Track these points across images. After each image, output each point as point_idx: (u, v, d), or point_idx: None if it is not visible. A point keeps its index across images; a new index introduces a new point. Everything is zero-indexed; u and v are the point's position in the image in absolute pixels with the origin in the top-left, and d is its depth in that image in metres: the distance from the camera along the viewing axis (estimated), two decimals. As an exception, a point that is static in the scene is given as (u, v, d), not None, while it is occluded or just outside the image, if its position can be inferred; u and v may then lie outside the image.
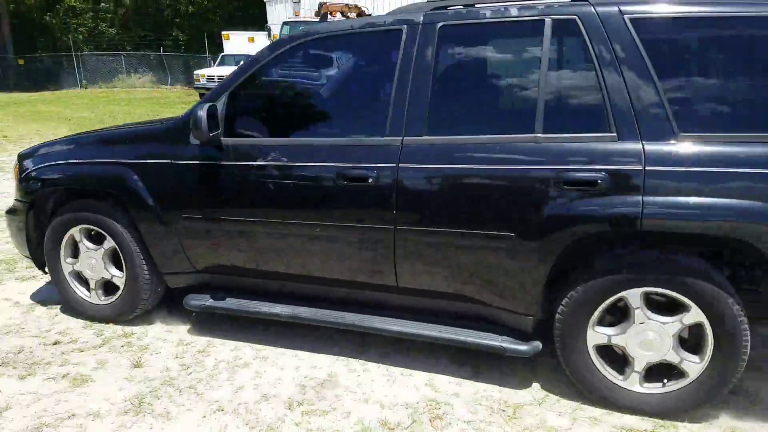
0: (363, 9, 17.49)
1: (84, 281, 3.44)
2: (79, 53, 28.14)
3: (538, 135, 2.45)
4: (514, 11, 2.56)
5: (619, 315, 2.50)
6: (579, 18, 2.45)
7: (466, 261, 2.61)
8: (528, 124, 2.47)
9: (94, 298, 3.41)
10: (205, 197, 3.01)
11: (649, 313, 2.41)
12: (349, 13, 16.98)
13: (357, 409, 2.60)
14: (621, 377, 2.52)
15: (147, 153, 3.12)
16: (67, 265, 3.41)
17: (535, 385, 2.78)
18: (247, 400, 2.67)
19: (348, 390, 2.75)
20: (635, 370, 2.48)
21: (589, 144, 2.39)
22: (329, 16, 16.23)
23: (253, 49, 21.14)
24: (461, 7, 2.71)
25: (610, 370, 2.54)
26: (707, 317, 2.33)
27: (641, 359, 2.45)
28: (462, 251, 2.60)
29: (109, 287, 3.41)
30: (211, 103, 2.88)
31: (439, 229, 2.61)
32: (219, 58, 21.81)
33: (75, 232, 3.34)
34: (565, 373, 2.64)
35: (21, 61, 27.76)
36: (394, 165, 2.62)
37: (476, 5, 2.68)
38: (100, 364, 3.00)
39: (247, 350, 3.13)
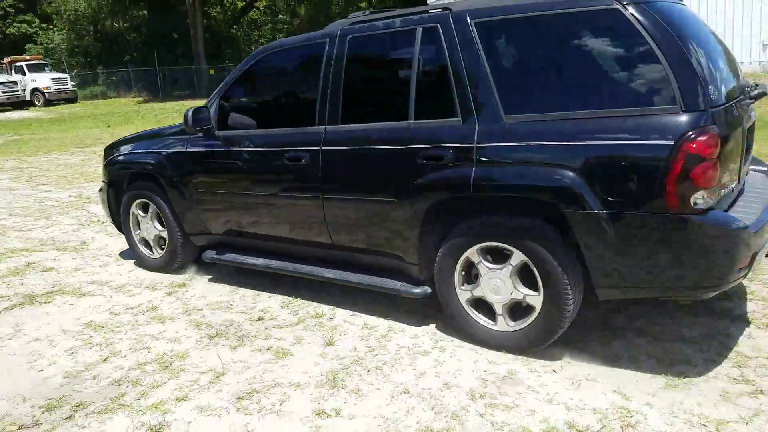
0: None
1: (146, 243, 4.59)
2: (259, 62, 30.92)
3: (411, 122, 3.11)
4: (397, 23, 3.25)
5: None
6: (439, 25, 3.06)
7: (370, 221, 3.31)
8: (405, 113, 3.12)
9: (154, 253, 4.56)
10: (206, 176, 4.02)
11: (488, 264, 3.00)
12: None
13: (541, 408, 2.57)
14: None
15: (171, 144, 4.21)
16: (135, 233, 4.63)
17: (740, 402, 2.53)
18: (430, 386, 2.78)
19: (530, 389, 2.73)
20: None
21: (442, 127, 3.01)
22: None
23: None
24: (365, 20, 3.44)
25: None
26: (537, 269, 2.83)
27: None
28: (366, 213, 3.31)
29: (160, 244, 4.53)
30: (201, 106, 3.90)
31: (349, 196, 3.36)
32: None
33: (140, 203, 4.52)
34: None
35: (212, 71, 31.29)
36: (318, 148, 3.40)
37: (376, 19, 3.38)
38: (297, 340, 3.31)
39: (425, 339, 3.25)
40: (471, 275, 3.11)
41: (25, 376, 3.06)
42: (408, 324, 3.42)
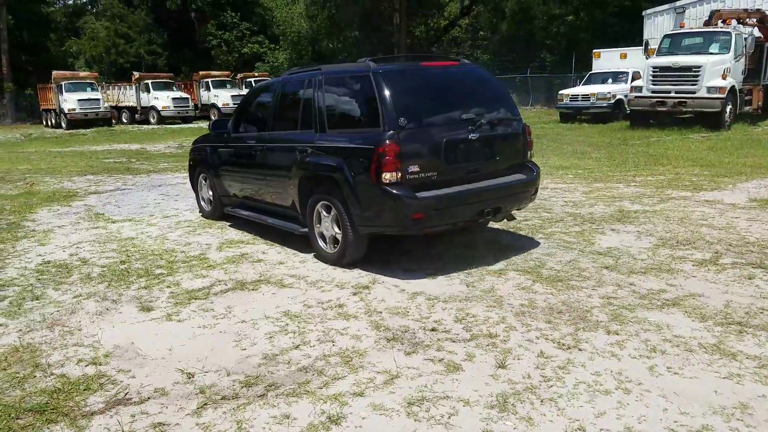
0: (766, 12, 14.82)
1: (204, 200, 7.43)
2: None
3: (298, 131, 5.50)
4: (300, 75, 5.78)
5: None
6: (312, 78, 5.44)
7: (282, 188, 5.67)
8: (296, 126, 5.55)
9: (208, 207, 7.36)
10: (227, 160, 6.70)
11: (324, 213, 5.21)
12: (747, 20, 14.57)
13: (742, 476, 2.24)
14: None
15: (214, 141, 6.91)
16: (200, 194, 7.48)
17: None
18: (610, 428, 2.58)
19: (730, 451, 2.39)
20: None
21: (307, 134, 5.34)
22: (722, 25, 14.28)
23: (623, 66, 20.27)
24: (293, 72, 6.13)
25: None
26: (339, 214, 4.98)
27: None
28: (280, 183, 5.69)
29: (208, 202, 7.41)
30: (222, 118, 7.78)
31: (273, 173, 5.83)
32: (586, 76, 21.52)
33: (203, 176, 7.36)
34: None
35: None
36: (264, 144, 5.93)
37: (297, 72, 6.03)
38: (468, 357, 3.31)
39: (608, 378, 3.02)
40: (320, 218, 5.23)
41: (231, 353, 3.51)
42: (587, 361, 3.22)
